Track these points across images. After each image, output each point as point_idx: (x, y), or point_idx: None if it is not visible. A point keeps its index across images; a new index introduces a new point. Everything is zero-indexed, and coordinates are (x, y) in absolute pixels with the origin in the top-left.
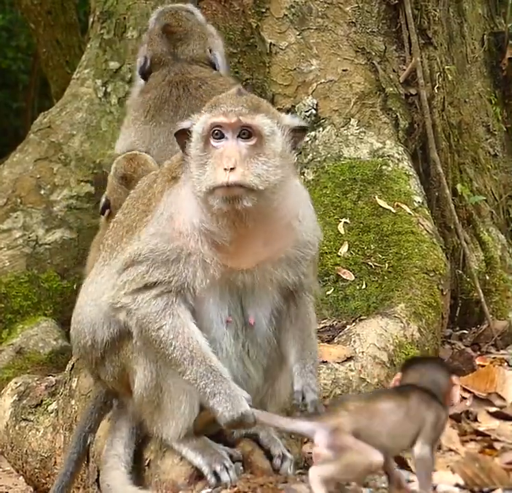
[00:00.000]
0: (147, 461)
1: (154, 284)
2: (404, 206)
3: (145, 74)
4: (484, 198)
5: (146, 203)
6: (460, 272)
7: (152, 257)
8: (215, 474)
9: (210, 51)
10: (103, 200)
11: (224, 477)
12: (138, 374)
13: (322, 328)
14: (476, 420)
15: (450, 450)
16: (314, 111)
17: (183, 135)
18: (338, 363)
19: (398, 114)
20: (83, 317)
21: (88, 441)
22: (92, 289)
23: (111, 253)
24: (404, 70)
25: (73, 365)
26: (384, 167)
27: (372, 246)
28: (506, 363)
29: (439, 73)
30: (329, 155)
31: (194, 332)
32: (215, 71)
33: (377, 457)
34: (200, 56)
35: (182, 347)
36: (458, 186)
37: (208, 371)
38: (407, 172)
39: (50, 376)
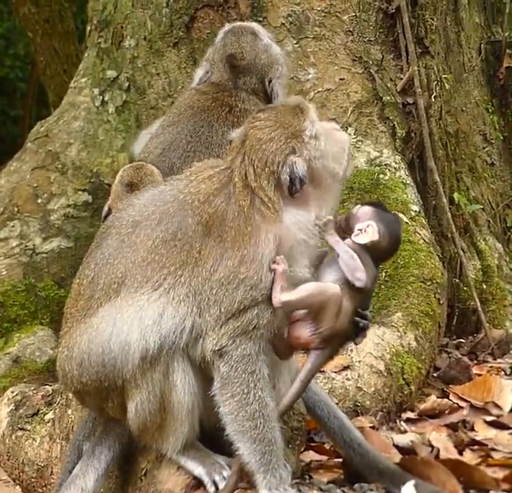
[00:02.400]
0: (144, 471)
1: (261, 325)
2: (401, 215)
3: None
4: (481, 206)
5: (226, 236)
6: (457, 280)
7: (266, 294)
8: (215, 483)
9: (270, 81)
10: (106, 209)
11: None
12: (140, 398)
13: None
14: (472, 429)
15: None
16: None
17: None
18: (335, 372)
19: (395, 122)
20: (116, 349)
21: (84, 451)
22: (133, 318)
23: (152, 285)
24: (402, 79)
25: None
26: (381, 176)
27: None
28: (502, 372)
29: (436, 82)
30: None
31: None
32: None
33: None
34: (260, 89)
35: (265, 403)
36: (455, 195)
37: (274, 440)
38: (404, 181)
39: (47, 386)
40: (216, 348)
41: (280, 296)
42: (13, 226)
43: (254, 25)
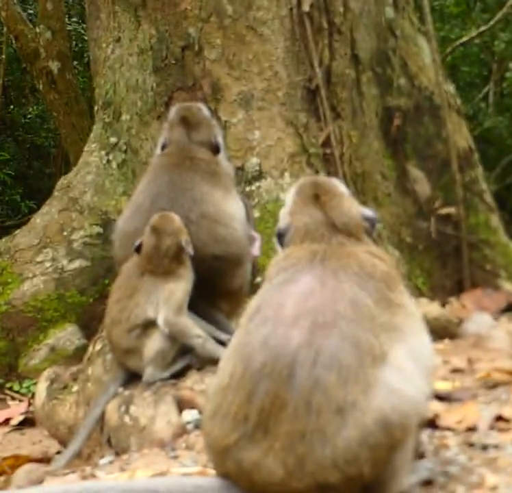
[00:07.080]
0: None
1: None
2: None
3: (164, 149)
4: (383, 226)
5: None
6: None
7: None
8: None
9: (214, 137)
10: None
11: None
12: None
13: None
14: None
15: None
16: (258, 168)
17: None
18: None
19: (317, 167)
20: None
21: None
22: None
23: None
24: (321, 135)
25: (89, 358)
26: None
27: None
28: None
29: (346, 137)
30: (270, 199)
31: None
32: (215, 156)
33: None
34: (207, 142)
35: None
36: None
37: None
38: None
39: (73, 367)
40: None
41: None
42: (46, 253)
43: (198, 104)
